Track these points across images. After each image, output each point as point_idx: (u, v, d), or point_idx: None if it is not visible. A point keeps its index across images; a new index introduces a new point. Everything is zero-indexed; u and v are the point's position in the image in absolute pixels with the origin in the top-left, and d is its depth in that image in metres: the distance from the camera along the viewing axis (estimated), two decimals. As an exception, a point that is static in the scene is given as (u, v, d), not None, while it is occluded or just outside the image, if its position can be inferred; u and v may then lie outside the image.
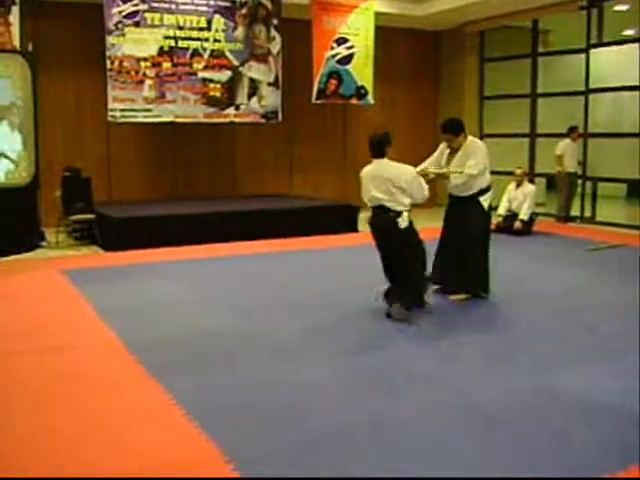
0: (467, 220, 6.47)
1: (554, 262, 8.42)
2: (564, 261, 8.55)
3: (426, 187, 5.87)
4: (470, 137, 6.55)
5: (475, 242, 6.49)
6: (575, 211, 12.74)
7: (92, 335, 5.46)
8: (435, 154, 6.74)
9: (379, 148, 5.83)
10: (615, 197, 15.53)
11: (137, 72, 10.90)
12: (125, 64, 10.80)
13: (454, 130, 6.44)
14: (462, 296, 6.54)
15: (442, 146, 6.67)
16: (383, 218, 5.81)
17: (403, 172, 5.76)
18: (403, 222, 5.74)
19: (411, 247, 5.91)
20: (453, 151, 6.51)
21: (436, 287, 6.73)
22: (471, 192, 6.47)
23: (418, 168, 6.43)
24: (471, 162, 6.35)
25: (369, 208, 6.02)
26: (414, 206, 5.86)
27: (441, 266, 6.68)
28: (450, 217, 6.73)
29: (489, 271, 6.60)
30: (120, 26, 10.67)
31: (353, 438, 3.58)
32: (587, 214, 12.43)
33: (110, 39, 10.64)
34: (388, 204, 5.74)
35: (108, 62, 10.67)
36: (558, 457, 3.37)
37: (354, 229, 10.91)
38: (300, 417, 3.86)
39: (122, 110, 10.86)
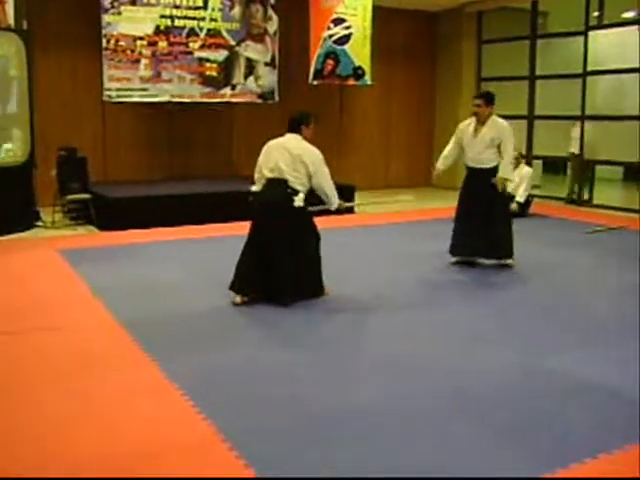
0: (495, 192, 6.95)
1: (551, 244, 8.43)
2: (562, 243, 8.55)
3: (332, 184, 5.74)
4: (495, 116, 6.99)
5: (502, 213, 7.13)
6: (563, 194, 12.81)
7: (88, 315, 5.45)
8: (453, 139, 7.24)
9: (296, 124, 5.78)
10: (612, 180, 15.53)
11: (133, 51, 10.82)
12: (121, 43, 10.71)
13: (486, 98, 6.98)
14: (511, 260, 7.18)
15: (460, 129, 7.16)
16: (278, 192, 5.62)
17: (312, 153, 5.68)
18: (298, 201, 5.58)
19: (309, 231, 5.83)
20: (478, 124, 6.97)
21: (456, 259, 7.26)
22: (493, 164, 6.96)
23: (439, 160, 7.31)
24: (509, 150, 6.87)
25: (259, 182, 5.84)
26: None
27: (463, 237, 7.13)
28: (471, 189, 7.15)
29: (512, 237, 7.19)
30: (116, 4, 10.56)
31: (350, 419, 3.59)
32: (584, 197, 12.43)
33: (106, 17, 10.54)
34: (288, 177, 5.58)
35: (104, 41, 10.58)
36: (553, 438, 3.38)
37: (351, 210, 10.88)
38: (297, 398, 3.87)
39: (118, 89, 10.80)
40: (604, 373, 4.25)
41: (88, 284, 6.29)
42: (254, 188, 5.87)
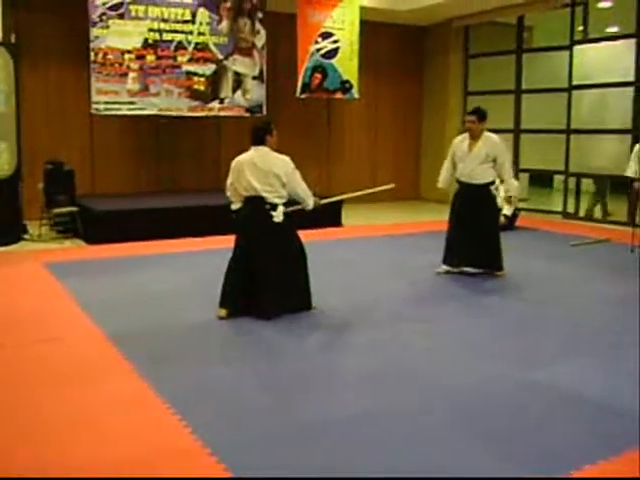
0: (486, 207, 7.18)
1: (538, 256, 8.47)
2: (548, 255, 8.60)
3: (305, 186, 5.76)
4: (487, 132, 7.16)
5: (492, 227, 7.26)
6: (558, 206, 12.86)
7: (75, 328, 5.43)
8: (448, 158, 7.36)
9: (260, 136, 5.69)
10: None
11: (121, 65, 10.83)
12: (109, 56, 10.72)
13: (479, 114, 7.08)
14: (502, 272, 7.29)
15: (455, 144, 7.27)
16: (256, 209, 5.65)
17: (283, 163, 5.64)
18: (277, 216, 5.61)
19: (293, 246, 5.82)
20: (472, 139, 7.09)
21: (444, 270, 7.33)
22: (485, 181, 7.10)
23: (440, 179, 7.40)
24: (507, 166, 7.16)
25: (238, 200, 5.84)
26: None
27: (454, 249, 7.24)
28: (462, 204, 7.22)
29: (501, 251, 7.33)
30: (104, 18, 10.58)
31: (332, 430, 3.59)
32: (570, 209, 12.51)
33: (94, 31, 10.56)
34: (264, 194, 5.58)
35: (92, 54, 10.59)
36: (541, 449, 3.40)
37: (338, 223, 10.92)
38: (284, 408, 3.87)
39: (106, 103, 10.79)
40: (591, 384, 4.27)
41: (75, 297, 6.27)
42: (234, 207, 5.87)
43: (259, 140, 5.71)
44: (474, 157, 7.04)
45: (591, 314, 5.97)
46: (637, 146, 8.70)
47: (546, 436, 3.55)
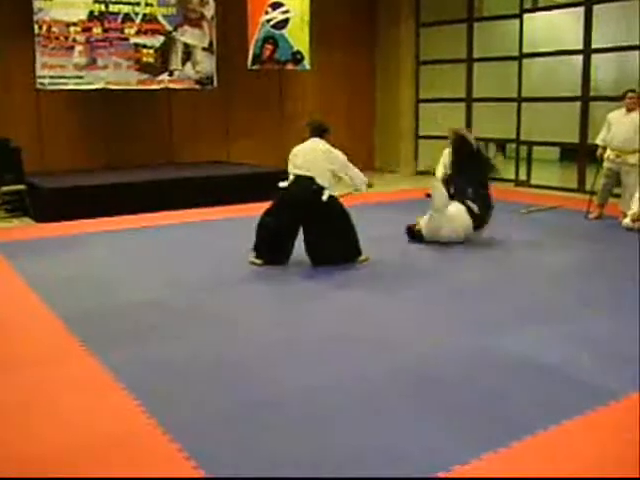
0: None
1: (490, 224, 8.52)
2: (500, 223, 8.64)
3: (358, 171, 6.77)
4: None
5: None
6: (510, 174, 12.97)
7: (24, 309, 5.34)
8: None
9: (319, 131, 6.65)
10: (549, 160, 15.81)
11: (67, 37, 10.58)
12: (54, 29, 10.46)
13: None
14: None
15: None
16: (308, 186, 6.30)
17: (337, 155, 6.51)
18: (324, 196, 6.31)
19: (338, 210, 6.49)
20: None
21: None
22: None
23: None
24: None
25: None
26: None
27: None
28: None
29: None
30: (47, -11, 10.31)
31: (288, 406, 3.59)
32: (522, 177, 12.64)
33: (37, 3, 10.27)
34: (318, 179, 6.28)
35: (36, 27, 10.32)
36: (495, 417, 3.44)
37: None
38: (238, 388, 3.85)
39: (52, 77, 10.55)
40: (545, 351, 4.32)
41: (24, 278, 6.15)
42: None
43: (318, 134, 6.66)
44: None
45: (544, 281, 6.04)
46: (609, 115, 8.80)
47: (500, 403, 3.60)
